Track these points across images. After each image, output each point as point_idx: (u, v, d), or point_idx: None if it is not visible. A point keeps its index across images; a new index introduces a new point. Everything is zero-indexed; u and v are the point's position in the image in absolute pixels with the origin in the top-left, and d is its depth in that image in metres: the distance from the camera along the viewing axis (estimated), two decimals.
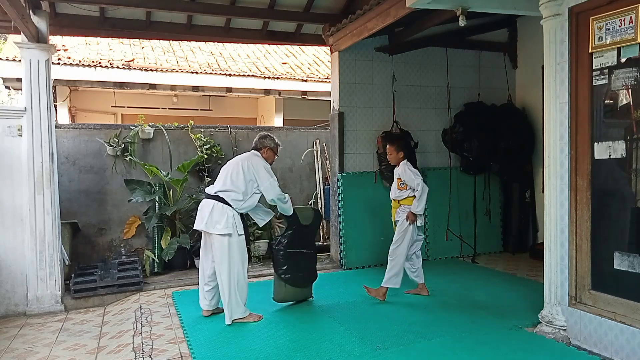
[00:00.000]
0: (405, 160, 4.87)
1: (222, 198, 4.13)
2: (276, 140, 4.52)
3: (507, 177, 6.79)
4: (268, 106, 11.24)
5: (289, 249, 4.53)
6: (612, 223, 3.43)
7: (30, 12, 5.07)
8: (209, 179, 6.63)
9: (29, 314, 5.04)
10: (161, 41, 10.04)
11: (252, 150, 4.46)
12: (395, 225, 4.87)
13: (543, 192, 4.27)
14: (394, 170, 4.98)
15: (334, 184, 6.27)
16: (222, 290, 4.17)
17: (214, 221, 4.08)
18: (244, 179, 4.18)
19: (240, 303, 4.18)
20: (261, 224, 4.61)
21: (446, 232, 6.53)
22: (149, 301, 5.09)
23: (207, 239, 4.27)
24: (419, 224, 4.76)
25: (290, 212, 4.47)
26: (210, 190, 4.26)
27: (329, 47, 6.45)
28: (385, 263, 6.22)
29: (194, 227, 4.37)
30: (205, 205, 4.18)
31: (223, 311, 4.21)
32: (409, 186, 4.75)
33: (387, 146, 4.98)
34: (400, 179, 4.83)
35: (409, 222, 4.70)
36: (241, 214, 4.23)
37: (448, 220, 6.54)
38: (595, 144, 3.45)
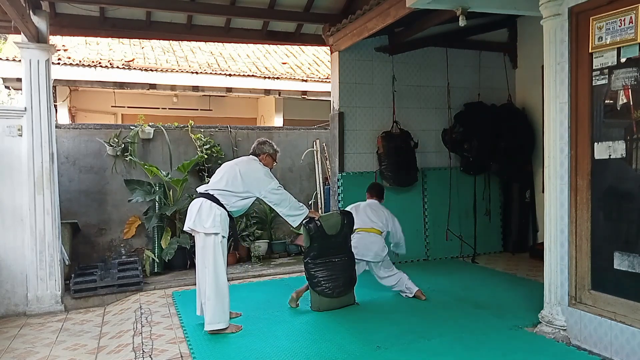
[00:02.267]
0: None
1: (212, 195, 3.98)
2: (275, 146, 4.42)
3: (507, 177, 6.78)
4: (268, 106, 11.24)
5: (318, 260, 4.38)
6: (612, 223, 3.43)
7: (30, 12, 5.07)
8: (209, 179, 6.62)
9: (29, 314, 5.05)
10: (161, 41, 10.03)
11: (250, 155, 4.37)
12: None
13: (543, 192, 4.27)
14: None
15: (334, 184, 6.27)
16: (205, 293, 3.93)
17: (202, 219, 3.90)
18: (241, 181, 4.05)
19: (226, 311, 3.95)
20: (295, 223, 4.28)
21: (446, 232, 6.53)
22: (149, 301, 5.09)
23: (195, 239, 4.07)
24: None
25: (297, 223, 4.23)
26: (201, 188, 4.13)
27: (329, 47, 6.45)
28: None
29: (183, 229, 4.16)
30: (194, 204, 4.01)
31: None
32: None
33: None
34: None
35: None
36: (230, 218, 4.08)
37: (448, 220, 6.54)
38: (595, 144, 3.45)
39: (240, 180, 4.06)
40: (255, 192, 4.11)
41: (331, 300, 4.44)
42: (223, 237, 3.98)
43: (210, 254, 3.91)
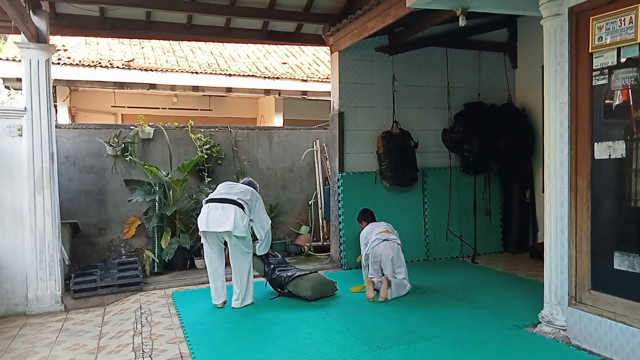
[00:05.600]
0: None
1: (242, 205, 4.51)
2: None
3: (507, 177, 6.79)
4: (268, 106, 11.24)
5: (278, 270, 5.00)
6: (612, 223, 3.44)
7: (30, 12, 5.07)
8: (209, 179, 6.63)
9: (29, 314, 5.05)
10: (161, 41, 10.04)
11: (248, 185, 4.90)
12: None
13: (543, 192, 4.27)
14: None
15: (334, 184, 6.27)
16: (241, 280, 4.58)
17: (237, 224, 4.41)
18: (250, 201, 4.64)
19: (252, 290, 4.71)
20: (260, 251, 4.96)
21: (446, 232, 6.53)
22: (149, 301, 5.09)
23: (215, 239, 4.58)
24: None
25: (261, 252, 4.90)
26: (228, 195, 4.57)
27: (329, 47, 6.45)
28: None
29: (210, 229, 4.48)
30: (229, 208, 4.45)
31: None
32: None
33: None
34: None
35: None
36: None
37: (448, 220, 6.54)
38: (595, 144, 3.45)
39: (251, 201, 4.64)
40: (256, 216, 4.70)
41: (315, 277, 5.00)
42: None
43: (245, 252, 4.59)
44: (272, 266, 5.01)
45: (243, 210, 4.50)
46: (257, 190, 4.92)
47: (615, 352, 3.28)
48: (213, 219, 4.46)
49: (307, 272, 5.01)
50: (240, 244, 4.53)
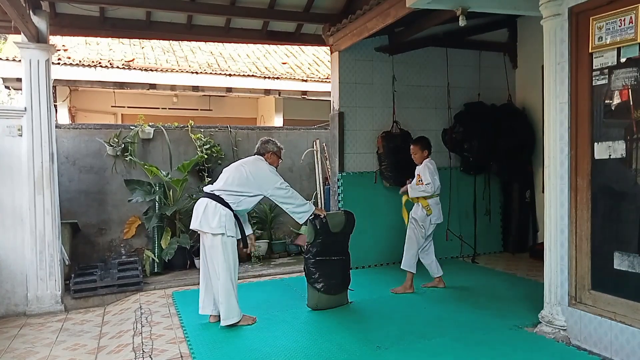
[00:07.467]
0: (428, 159, 5.02)
1: (218, 196, 4.07)
2: (278, 144, 4.49)
3: (507, 177, 6.78)
4: (268, 106, 11.24)
5: (319, 257, 4.42)
6: (612, 223, 3.43)
7: (30, 12, 5.07)
8: (209, 179, 6.63)
9: (29, 314, 5.05)
10: (161, 41, 10.04)
11: (256, 155, 4.42)
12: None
13: (543, 192, 4.27)
14: (417, 168, 5.09)
15: (334, 184, 6.27)
16: (217, 292, 4.08)
17: (207, 220, 4.01)
18: (246, 181, 4.14)
19: (237, 306, 4.09)
20: (301, 220, 4.38)
21: (446, 232, 6.51)
22: (149, 301, 5.09)
23: (203, 239, 4.16)
24: (427, 223, 4.96)
25: (304, 219, 4.32)
26: (207, 188, 4.22)
27: (329, 47, 6.44)
28: (384, 263, 6.25)
29: (190, 227, 4.25)
30: (200, 204, 4.11)
31: None
32: (424, 183, 4.88)
33: (412, 146, 5.11)
34: (419, 175, 4.95)
35: (401, 192, 5.06)
36: (236, 218, 4.15)
37: (448, 220, 6.49)
38: (595, 144, 3.45)
39: (246, 181, 4.15)
40: (263, 191, 4.20)
41: (329, 298, 4.48)
42: (231, 236, 4.06)
43: (220, 254, 4.02)
44: (313, 253, 4.42)
45: (220, 201, 4.03)
46: (268, 152, 4.36)
47: (615, 352, 3.28)
48: (193, 216, 4.15)
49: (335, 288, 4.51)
50: (215, 244, 4.01)
